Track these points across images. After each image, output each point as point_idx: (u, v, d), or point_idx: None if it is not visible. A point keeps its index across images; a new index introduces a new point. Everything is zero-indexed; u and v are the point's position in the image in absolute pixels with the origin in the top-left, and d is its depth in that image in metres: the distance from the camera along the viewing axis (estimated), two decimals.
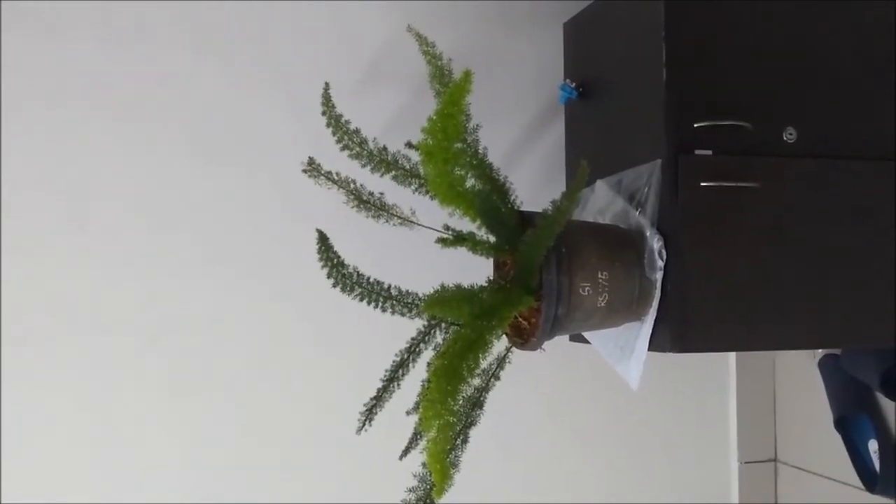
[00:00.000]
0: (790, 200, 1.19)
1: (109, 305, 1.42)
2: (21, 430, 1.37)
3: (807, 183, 1.20)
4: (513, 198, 1.09)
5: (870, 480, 1.45)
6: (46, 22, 1.40)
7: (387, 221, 1.13)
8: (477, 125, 1.05)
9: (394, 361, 1.11)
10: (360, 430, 1.09)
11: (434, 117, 0.94)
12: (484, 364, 1.01)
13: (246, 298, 1.48)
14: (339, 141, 1.11)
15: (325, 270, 1.09)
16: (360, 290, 1.09)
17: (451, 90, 0.94)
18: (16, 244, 1.38)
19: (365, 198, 1.12)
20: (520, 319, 1.11)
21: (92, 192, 1.42)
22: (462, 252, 1.08)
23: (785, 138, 1.20)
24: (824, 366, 1.54)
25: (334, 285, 1.09)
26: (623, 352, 1.22)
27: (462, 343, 0.98)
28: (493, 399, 1.12)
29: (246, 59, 1.48)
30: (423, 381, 1.04)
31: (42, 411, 1.39)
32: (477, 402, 1.10)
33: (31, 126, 1.39)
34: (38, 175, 1.39)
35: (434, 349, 1.10)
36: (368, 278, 1.10)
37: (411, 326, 1.12)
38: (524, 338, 1.11)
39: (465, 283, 1.05)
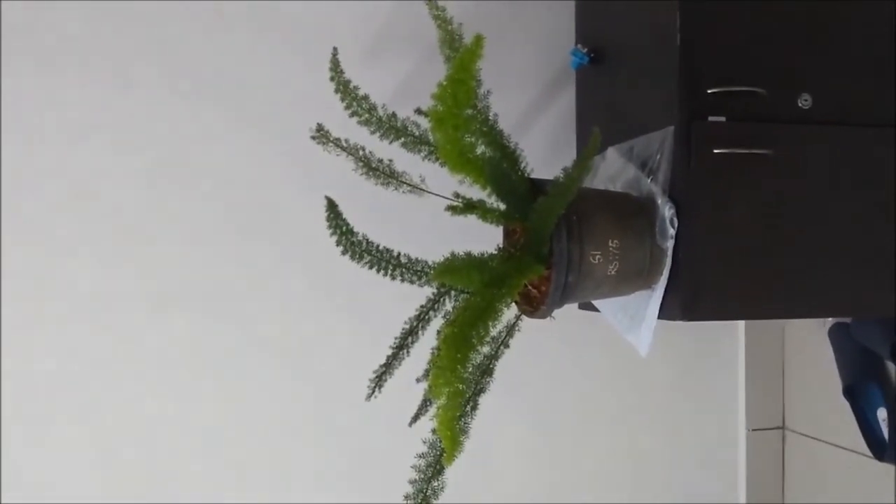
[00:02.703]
0: (804, 168, 1.17)
1: (109, 295, 1.42)
2: (21, 430, 1.39)
3: (821, 150, 1.18)
4: (523, 165, 1.09)
5: (878, 448, 1.45)
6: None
7: (396, 189, 1.12)
8: (487, 91, 1.04)
9: (403, 329, 1.11)
10: (369, 396, 1.10)
11: (444, 83, 0.93)
12: (493, 332, 1.01)
13: (250, 273, 1.48)
14: (347, 107, 1.10)
15: (335, 238, 1.09)
16: (369, 257, 1.09)
17: (461, 55, 0.93)
18: (17, 228, 1.38)
19: (374, 165, 1.12)
20: (530, 287, 1.10)
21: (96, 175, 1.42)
22: (472, 220, 1.08)
23: (800, 104, 1.18)
24: (834, 334, 1.54)
25: (343, 253, 1.09)
26: (633, 320, 1.22)
27: (472, 311, 0.98)
28: (501, 366, 1.12)
29: (253, 25, 1.47)
30: (432, 349, 1.04)
31: (41, 411, 1.40)
32: (486, 370, 1.10)
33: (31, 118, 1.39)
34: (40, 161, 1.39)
35: (444, 317, 1.10)
36: (378, 246, 1.10)
37: (421, 294, 1.12)
38: (534, 306, 1.11)
39: (476, 251, 1.05)
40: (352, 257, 1.09)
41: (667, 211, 1.13)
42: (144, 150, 1.43)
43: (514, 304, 1.12)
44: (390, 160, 1.12)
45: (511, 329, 1.13)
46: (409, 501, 1.06)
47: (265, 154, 1.48)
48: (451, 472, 1.04)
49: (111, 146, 1.42)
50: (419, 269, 1.10)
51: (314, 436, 1.51)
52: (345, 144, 1.12)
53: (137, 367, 1.43)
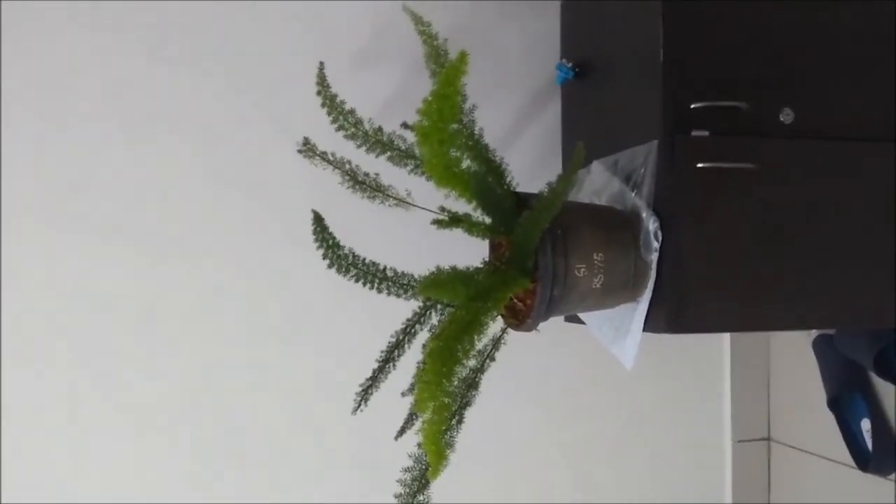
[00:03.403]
0: (787, 181, 1.18)
1: (107, 300, 1.42)
2: (21, 429, 1.38)
3: (803, 164, 1.19)
4: (508, 179, 1.09)
5: (862, 459, 1.46)
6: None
7: (382, 202, 1.13)
8: (473, 106, 1.05)
9: (389, 343, 1.11)
10: (355, 410, 1.10)
11: (430, 98, 0.93)
12: (479, 345, 1.01)
13: (250, 274, 1.48)
14: (334, 121, 1.10)
15: (321, 251, 1.09)
16: (355, 271, 1.09)
17: (446, 71, 0.94)
18: (17, 228, 1.38)
19: (360, 179, 1.12)
20: (515, 301, 1.11)
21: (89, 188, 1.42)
22: (458, 233, 1.08)
23: (782, 119, 1.19)
24: (818, 346, 1.55)
25: (330, 266, 1.09)
26: (618, 332, 1.23)
27: (457, 324, 0.98)
28: (487, 379, 1.13)
29: (240, 38, 1.47)
30: (418, 363, 1.04)
31: (41, 411, 1.39)
32: (472, 383, 1.10)
33: (29, 122, 1.39)
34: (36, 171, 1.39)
35: (429, 330, 1.11)
36: (364, 259, 1.10)
37: (407, 308, 1.12)
38: (519, 319, 1.11)
39: (461, 265, 1.05)
40: (338, 270, 1.10)
41: (651, 224, 1.13)
42: (149, 150, 1.44)
43: (499, 317, 1.12)
44: (377, 174, 1.12)
45: (497, 342, 1.13)
46: None
47: (268, 156, 1.48)
48: (437, 485, 1.04)
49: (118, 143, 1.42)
50: (405, 282, 1.10)
51: (315, 438, 1.51)
52: (331, 158, 1.12)
53: (137, 367, 1.43)
